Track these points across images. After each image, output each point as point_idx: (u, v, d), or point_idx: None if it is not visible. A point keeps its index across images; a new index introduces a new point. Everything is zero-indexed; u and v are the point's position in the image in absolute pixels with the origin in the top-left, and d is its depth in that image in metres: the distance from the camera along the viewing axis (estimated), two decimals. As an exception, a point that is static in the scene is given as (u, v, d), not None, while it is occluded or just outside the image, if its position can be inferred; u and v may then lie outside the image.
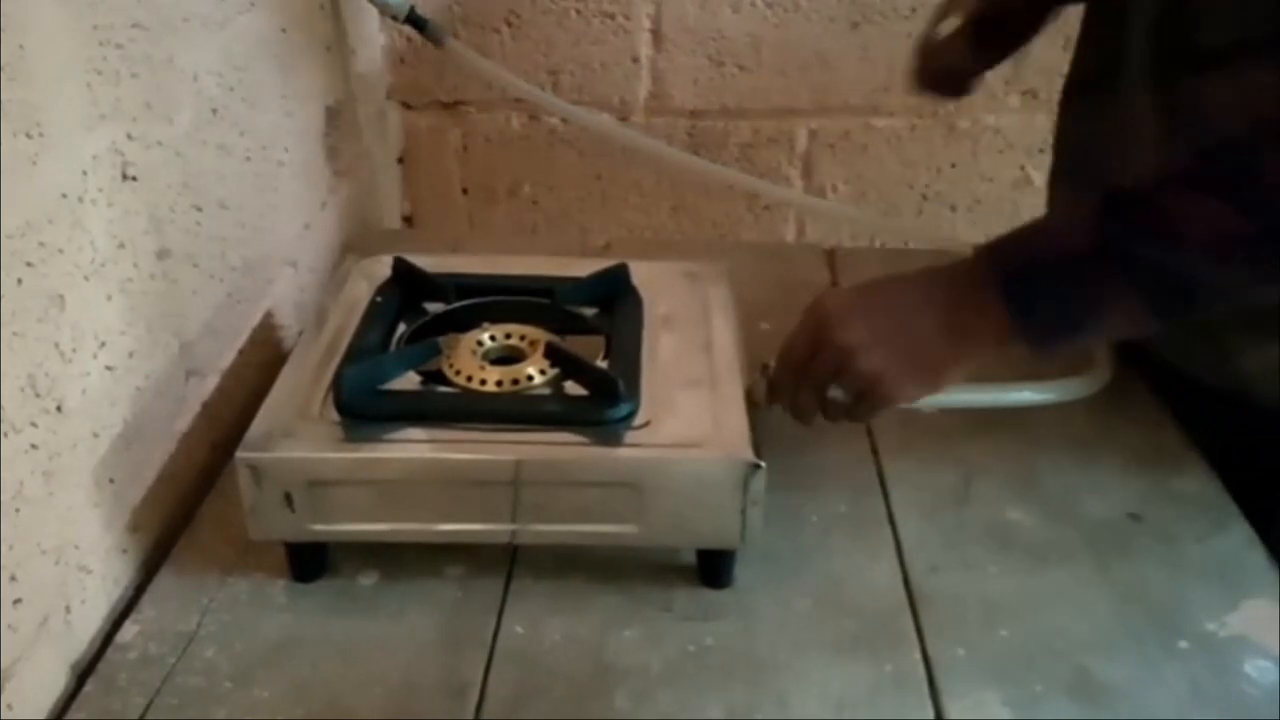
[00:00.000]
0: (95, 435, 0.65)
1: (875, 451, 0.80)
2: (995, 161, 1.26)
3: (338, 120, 1.08)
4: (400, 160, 1.29)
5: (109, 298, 0.65)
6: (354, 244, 1.09)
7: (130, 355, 0.68)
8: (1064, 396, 0.84)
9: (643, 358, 0.71)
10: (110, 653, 0.63)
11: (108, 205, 0.65)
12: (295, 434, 0.64)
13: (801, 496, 0.75)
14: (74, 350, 0.62)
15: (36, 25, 0.57)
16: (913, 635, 0.66)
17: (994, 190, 1.28)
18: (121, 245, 0.67)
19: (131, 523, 0.69)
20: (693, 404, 0.68)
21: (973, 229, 1.29)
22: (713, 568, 0.68)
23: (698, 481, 0.64)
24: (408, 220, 1.33)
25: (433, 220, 1.32)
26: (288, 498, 0.63)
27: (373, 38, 1.18)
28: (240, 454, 0.63)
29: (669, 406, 0.67)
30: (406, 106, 1.26)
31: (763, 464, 0.63)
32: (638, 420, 0.66)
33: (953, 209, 1.30)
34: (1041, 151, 1.25)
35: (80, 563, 0.63)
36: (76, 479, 0.63)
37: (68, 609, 0.62)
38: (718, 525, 0.65)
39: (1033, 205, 1.28)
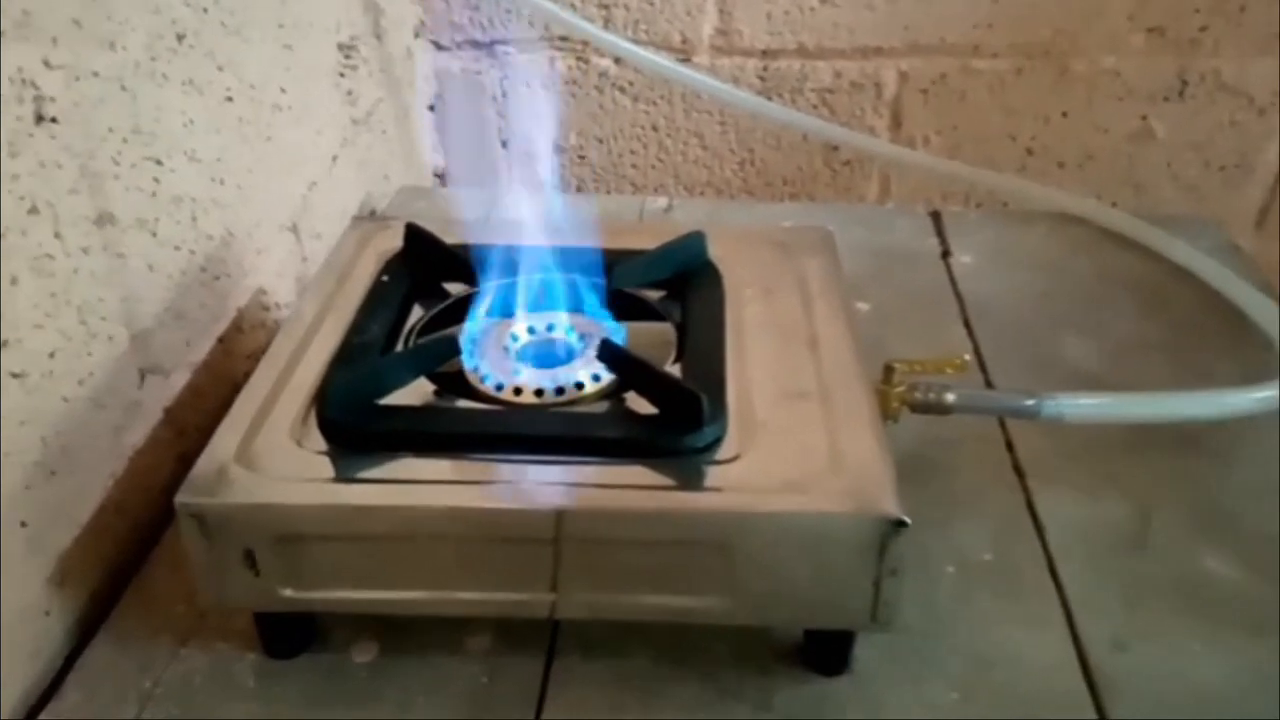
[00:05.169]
0: (-1, 465, 0.48)
1: (1020, 473, 0.63)
2: (1112, 110, 1.07)
3: (354, 58, 0.91)
4: (431, 108, 1.12)
5: (14, 281, 0.49)
6: (374, 205, 0.94)
7: (51, 355, 0.51)
8: (1252, 408, 0.65)
9: (727, 358, 0.54)
10: (19, 757, 0.47)
11: (10, 156, 0.48)
12: (260, 469, 0.47)
13: (931, 537, 0.57)
14: (-41, 354, 0.45)
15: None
16: (1097, 740, 0.48)
17: (1109, 143, 1.09)
18: (33, 209, 0.50)
19: (57, 575, 0.52)
20: (799, 425, 0.50)
21: (1084, 188, 1.10)
22: (826, 650, 0.50)
23: (812, 542, 0.46)
24: (440, 177, 1.16)
25: (468, 177, 1.16)
26: (249, 556, 0.46)
27: (396, -39, 1.01)
28: (180, 498, 0.45)
29: (767, 430, 0.49)
30: (438, 46, 1.09)
31: (908, 520, 0.45)
32: (725, 451, 0.48)
33: (1060, 165, 1.11)
34: (1166, 99, 1.06)
35: (-19, 636, 0.47)
36: (-28, 524, 0.47)
37: (-38, 700, 0.46)
38: (839, 601, 0.47)
39: (1152, 162, 1.09)
